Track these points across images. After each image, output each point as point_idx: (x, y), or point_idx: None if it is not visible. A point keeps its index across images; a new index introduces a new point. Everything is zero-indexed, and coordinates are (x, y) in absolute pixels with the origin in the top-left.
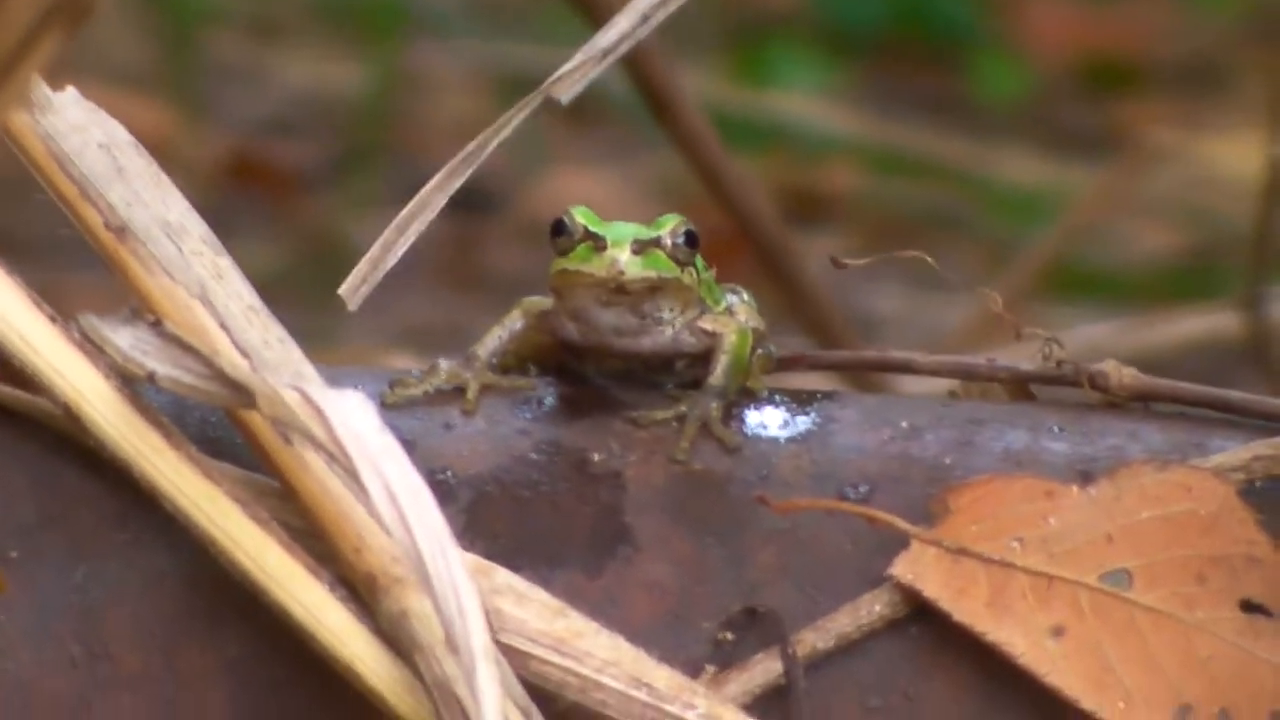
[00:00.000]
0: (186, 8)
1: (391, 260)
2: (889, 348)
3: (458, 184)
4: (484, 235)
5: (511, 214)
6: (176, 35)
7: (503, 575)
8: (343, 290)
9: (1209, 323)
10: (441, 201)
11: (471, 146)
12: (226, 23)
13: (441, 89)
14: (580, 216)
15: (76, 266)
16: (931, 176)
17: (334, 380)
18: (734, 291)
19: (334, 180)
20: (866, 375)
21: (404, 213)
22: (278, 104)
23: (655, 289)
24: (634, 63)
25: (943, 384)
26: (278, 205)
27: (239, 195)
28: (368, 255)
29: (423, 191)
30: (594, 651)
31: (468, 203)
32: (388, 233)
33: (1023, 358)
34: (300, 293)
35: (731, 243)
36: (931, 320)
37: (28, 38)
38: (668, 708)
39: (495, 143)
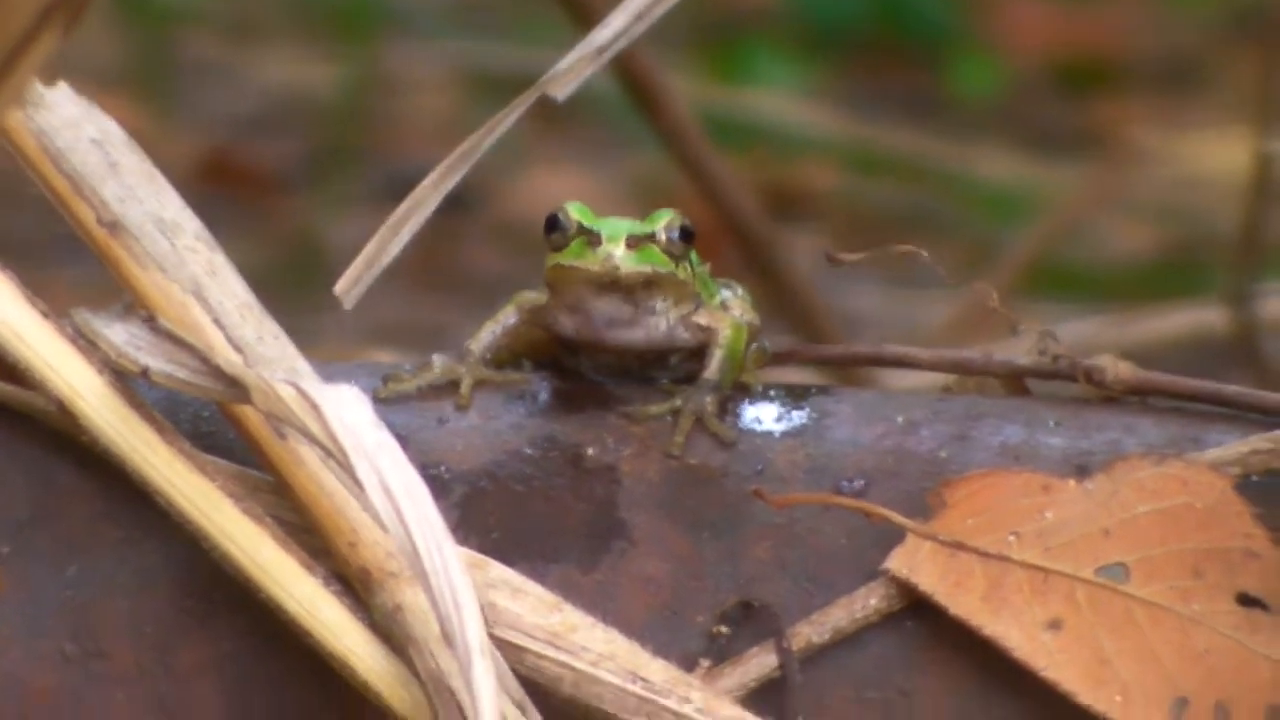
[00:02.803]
0: (161, 6)
1: (386, 259)
2: (883, 343)
3: (453, 182)
4: (460, 234)
5: (488, 213)
6: (151, 34)
7: (497, 569)
8: (337, 289)
9: (1196, 318)
10: (436, 200)
11: (466, 145)
12: (202, 21)
13: (417, 88)
14: (575, 212)
15: (68, 262)
16: (908, 175)
17: (328, 376)
18: (728, 286)
19: (310, 180)
20: (857, 371)
21: (398, 211)
22: (253, 103)
23: (650, 283)
24: (620, 60)
25: (934, 381)
26: (254, 205)
27: (215, 194)
28: (362, 254)
29: (417, 190)
30: (589, 646)
31: (444, 201)
32: (382, 231)
33: (1016, 352)
34: (277, 292)
35: (715, 239)
36: (910, 317)
37: (25, 37)
38: (663, 701)
39: (489, 141)
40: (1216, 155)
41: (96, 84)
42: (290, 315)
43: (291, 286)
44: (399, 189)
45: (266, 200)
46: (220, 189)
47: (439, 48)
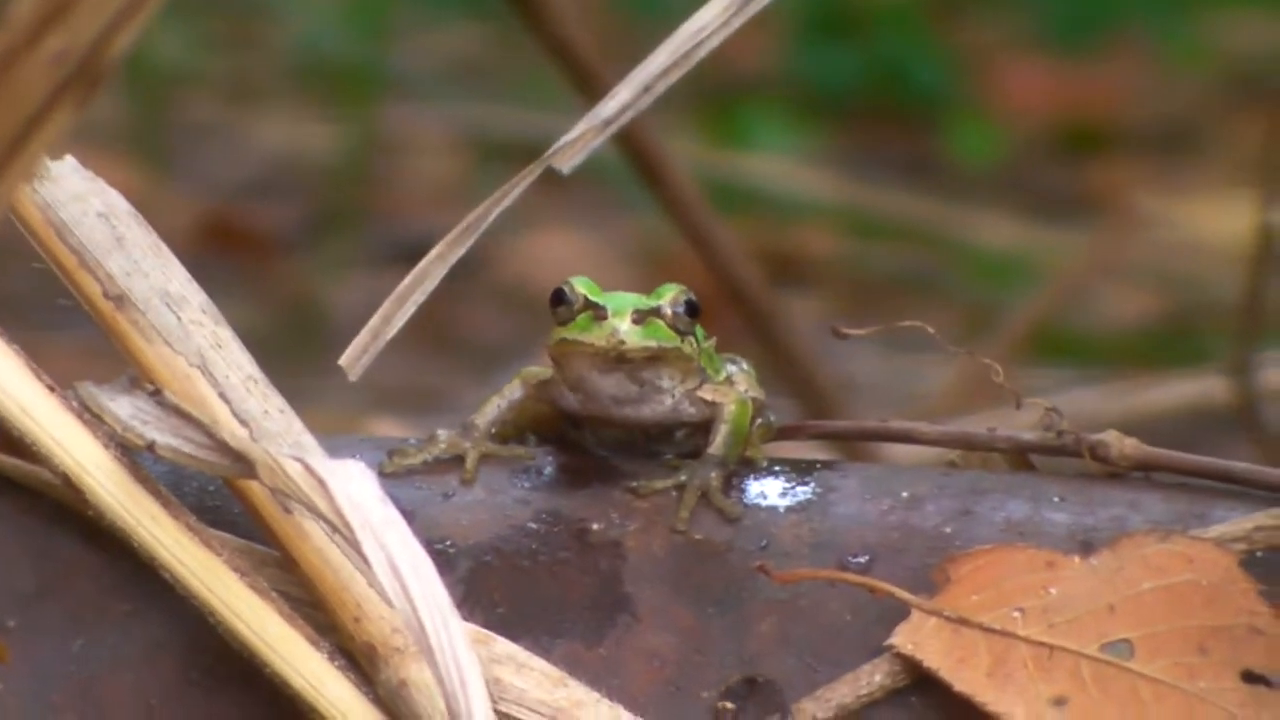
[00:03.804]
0: (159, 68)
1: (392, 331)
2: (889, 417)
3: (458, 254)
4: (459, 296)
5: (487, 275)
6: (149, 96)
7: (502, 645)
8: (343, 361)
9: (1197, 388)
10: (442, 271)
11: (471, 217)
12: (200, 83)
13: (417, 151)
14: (580, 286)
15: (68, 325)
16: (907, 239)
17: (332, 450)
18: (733, 361)
19: (309, 242)
20: (861, 443)
21: (404, 283)
22: (252, 165)
23: (655, 358)
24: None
25: (938, 451)
26: (253, 267)
27: (213, 258)
28: (368, 325)
29: (423, 261)
30: None
31: None
32: (388, 303)
33: (1018, 425)
34: (276, 355)
35: (716, 305)
36: (909, 381)
37: (38, 112)
38: None
39: (495, 213)
40: (1215, 220)
41: (94, 146)
42: (289, 378)
43: (290, 349)
44: (398, 252)
45: (265, 263)
46: (219, 251)
47: (438, 110)
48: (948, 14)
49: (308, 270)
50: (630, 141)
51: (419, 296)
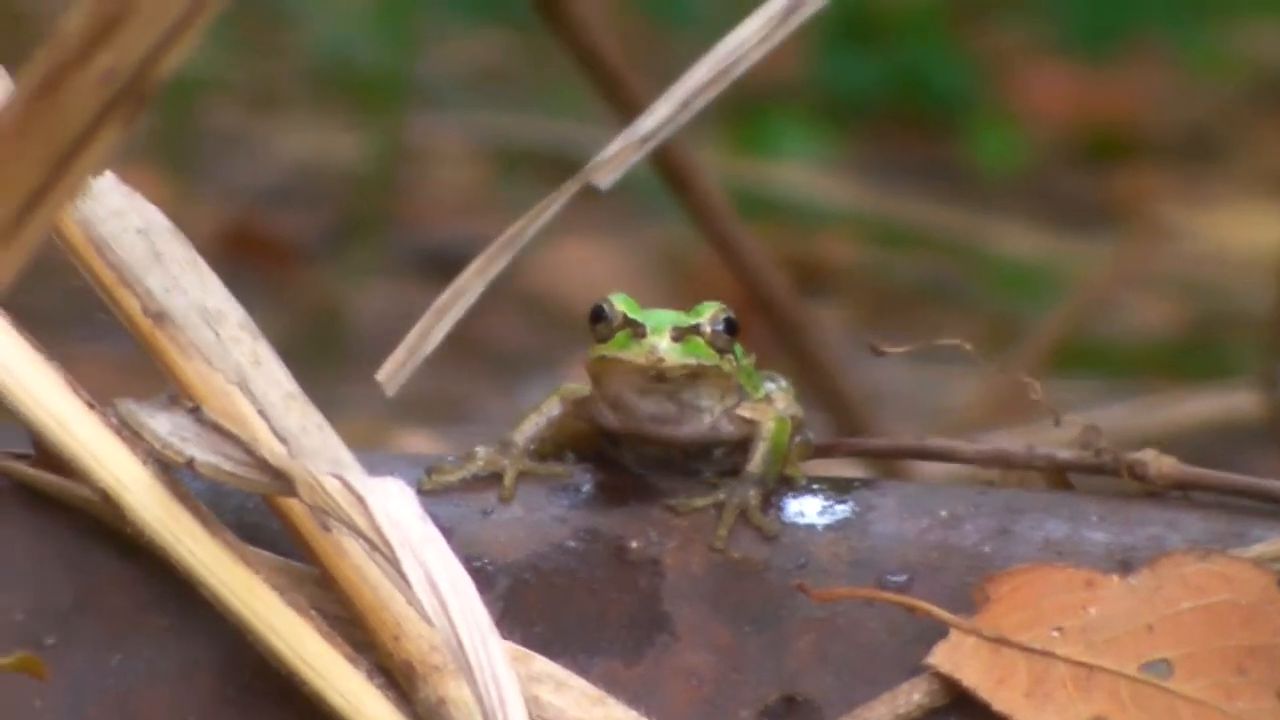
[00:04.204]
0: (183, 77)
1: (429, 347)
2: (921, 430)
3: (497, 270)
4: (486, 304)
5: (512, 284)
6: (174, 105)
7: (541, 663)
8: (380, 376)
9: (1226, 402)
10: (480, 287)
11: (510, 232)
12: (224, 92)
13: (441, 160)
14: (619, 303)
15: (104, 341)
16: (929, 248)
17: (370, 466)
18: (772, 379)
19: (332, 251)
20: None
21: (442, 297)
22: (276, 174)
23: (695, 376)
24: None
25: (974, 467)
26: (277, 276)
27: (238, 266)
28: (405, 341)
29: (461, 277)
30: None
31: None
32: (426, 318)
33: (1054, 442)
34: (300, 364)
35: (744, 315)
36: (935, 395)
37: (86, 131)
38: None
39: (534, 229)
40: (1240, 229)
41: (119, 156)
42: (313, 386)
43: (314, 357)
44: (421, 260)
45: (289, 271)
46: (244, 260)
47: (462, 119)
48: (969, 20)
49: (330, 278)
50: (659, 151)
51: (457, 312)
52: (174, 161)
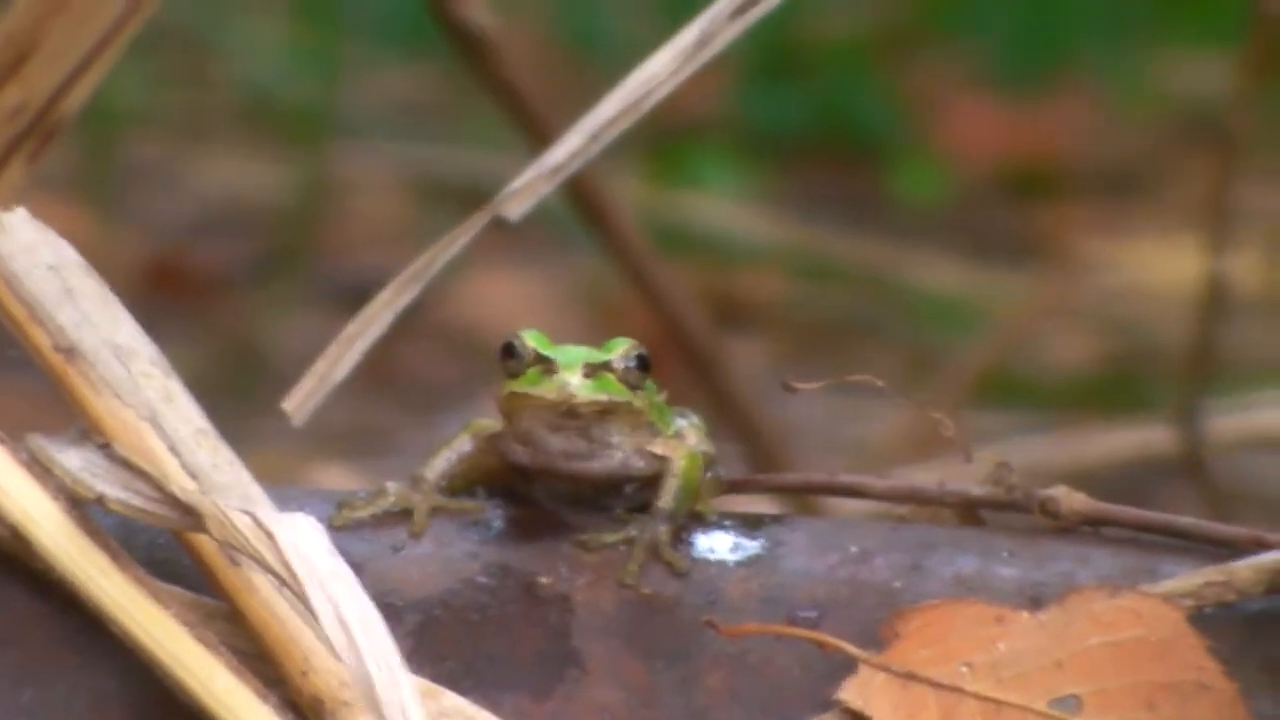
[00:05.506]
0: (104, 109)
1: (338, 376)
2: (836, 465)
3: (406, 300)
4: (402, 336)
5: (431, 316)
6: (96, 138)
7: (451, 699)
8: (287, 406)
9: (1143, 438)
10: (389, 318)
11: (420, 263)
12: (148, 125)
13: (364, 192)
14: (531, 340)
15: (14, 376)
16: (852, 282)
17: (281, 501)
18: (683, 415)
19: (254, 283)
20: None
21: (350, 327)
22: (200, 207)
23: (606, 412)
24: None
25: (886, 503)
26: (198, 309)
27: (159, 299)
28: (313, 370)
29: (369, 307)
30: None
31: None
32: (333, 347)
33: (967, 477)
34: (220, 397)
35: (659, 349)
36: (852, 429)
37: None
38: None
39: (443, 259)
40: (1160, 264)
41: (38, 188)
42: (232, 418)
43: (234, 389)
44: (343, 293)
45: (210, 303)
46: (165, 293)
47: (384, 152)
48: (893, 54)
49: (252, 310)
50: (574, 185)
51: (364, 342)
52: (96, 195)
